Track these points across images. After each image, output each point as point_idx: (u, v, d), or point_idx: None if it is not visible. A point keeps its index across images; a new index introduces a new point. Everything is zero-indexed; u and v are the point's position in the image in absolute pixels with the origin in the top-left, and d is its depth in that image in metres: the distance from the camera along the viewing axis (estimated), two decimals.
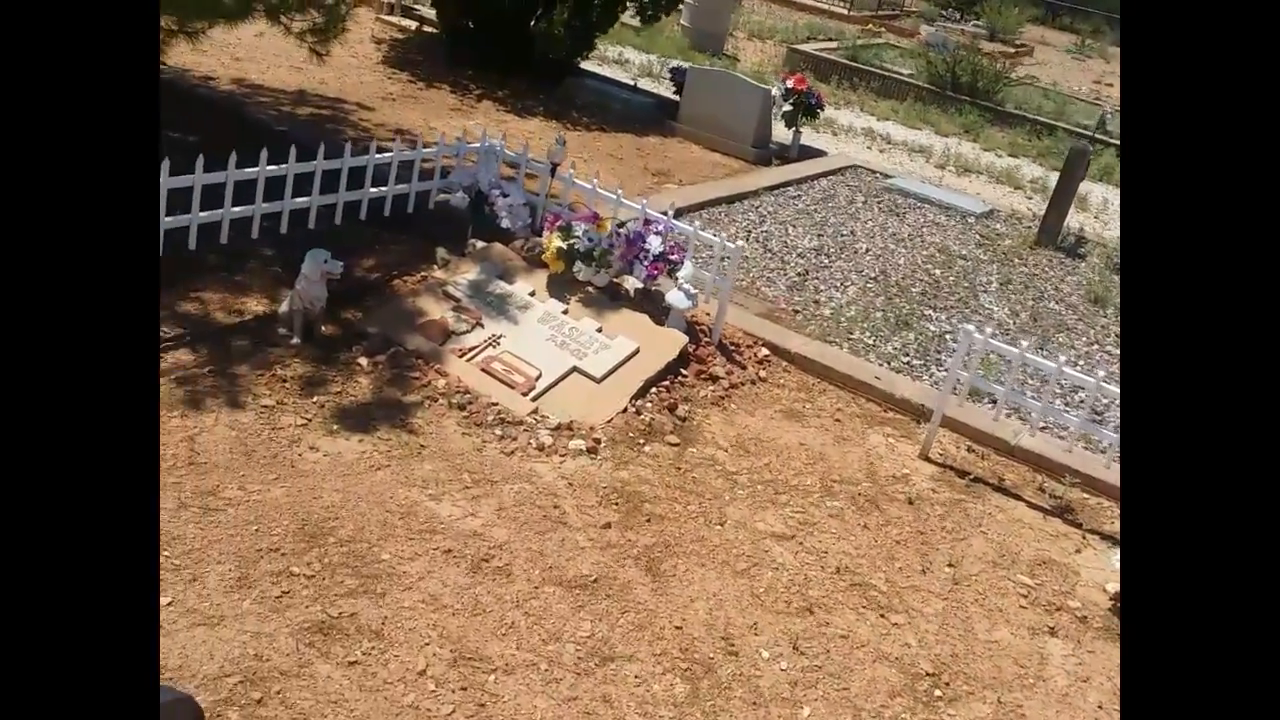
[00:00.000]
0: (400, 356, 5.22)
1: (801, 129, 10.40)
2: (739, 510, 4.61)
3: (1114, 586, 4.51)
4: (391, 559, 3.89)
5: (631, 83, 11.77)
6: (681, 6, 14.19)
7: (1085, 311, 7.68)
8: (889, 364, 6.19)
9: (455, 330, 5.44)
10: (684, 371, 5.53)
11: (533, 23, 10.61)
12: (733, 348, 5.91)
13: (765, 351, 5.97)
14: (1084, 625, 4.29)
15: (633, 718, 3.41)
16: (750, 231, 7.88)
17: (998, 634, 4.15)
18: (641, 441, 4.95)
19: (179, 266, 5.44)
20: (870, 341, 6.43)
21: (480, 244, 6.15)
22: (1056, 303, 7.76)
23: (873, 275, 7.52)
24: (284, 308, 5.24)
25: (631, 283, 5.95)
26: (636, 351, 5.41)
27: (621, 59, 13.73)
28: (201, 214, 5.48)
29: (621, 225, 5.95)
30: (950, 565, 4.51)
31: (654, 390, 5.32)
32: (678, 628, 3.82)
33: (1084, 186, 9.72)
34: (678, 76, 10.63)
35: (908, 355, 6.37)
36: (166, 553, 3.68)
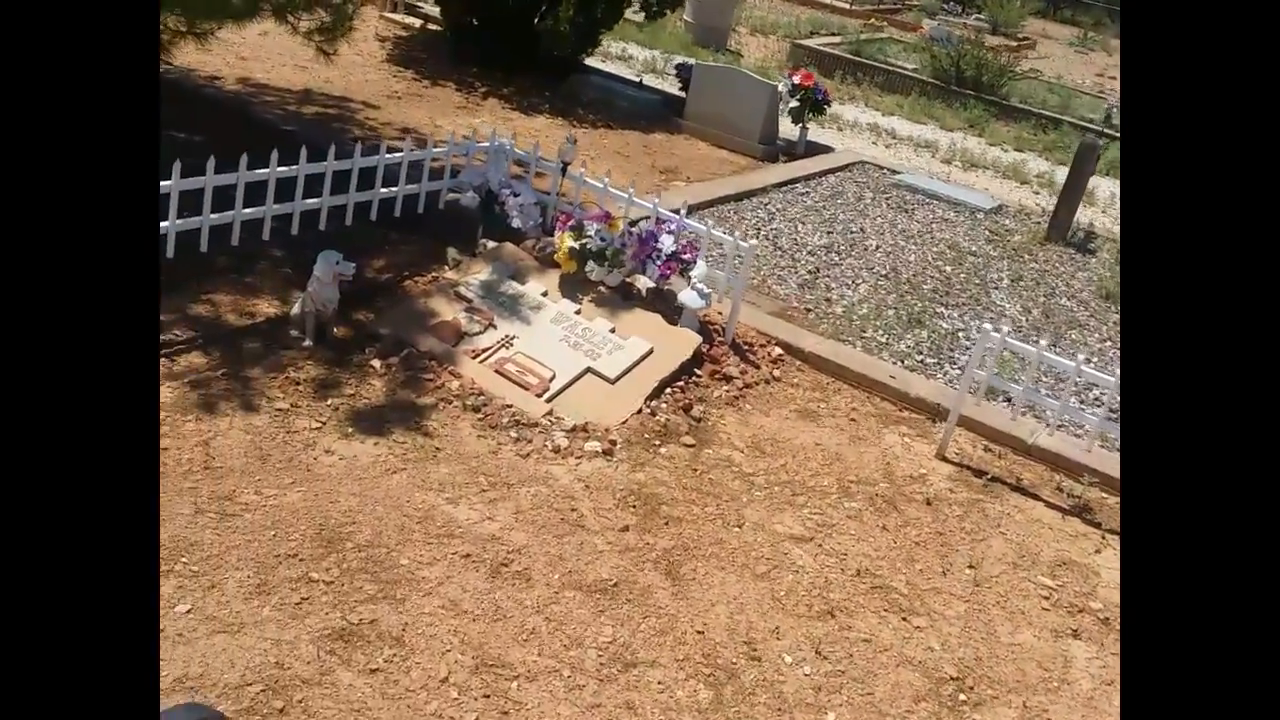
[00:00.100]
0: (413, 358, 5.18)
1: (808, 125, 10.36)
2: (757, 512, 4.58)
3: None
4: (410, 564, 3.86)
5: (637, 79, 11.72)
6: (685, 2, 14.15)
7: (1097, 308, 7.64)
8: (902, 362, 6.16)
9: (468, 331, 5.41)
10: (698, 372, 5.50)
11: (537, 20, 10.56)
12: (746, 347, 5.87)
13: (779, 351, 5.94)
14: (1106, 627, 4.26)
15: None
16: (760, 229, 7.85)
17: (1020, 636, 4.12)
18: (657, 443, 4.92)
19: (190, 269, 5.41)
20: (883, 340, 6.39)
21: (491, 244, 6.12)
22: (1068, 299, 7.73)
23: (883, 272, 7.49)
24: (296, 309, 5.20)
25: (643, 282, 5.92)
26: (650, 352, 5.38)
27: (625, 55, 13.69)
28: (213, 216, 5.45)
29: (634, 224, 5.92)
30: (971, 567, 4.48)
31: (668, 391, 5.29)
32: (699, 632, 3.79)
33: (1091, 181, 9.68)
34: (683, 73, 10.58)
35: (921, 353, 6.34)
36: (184, 559, 3.65)
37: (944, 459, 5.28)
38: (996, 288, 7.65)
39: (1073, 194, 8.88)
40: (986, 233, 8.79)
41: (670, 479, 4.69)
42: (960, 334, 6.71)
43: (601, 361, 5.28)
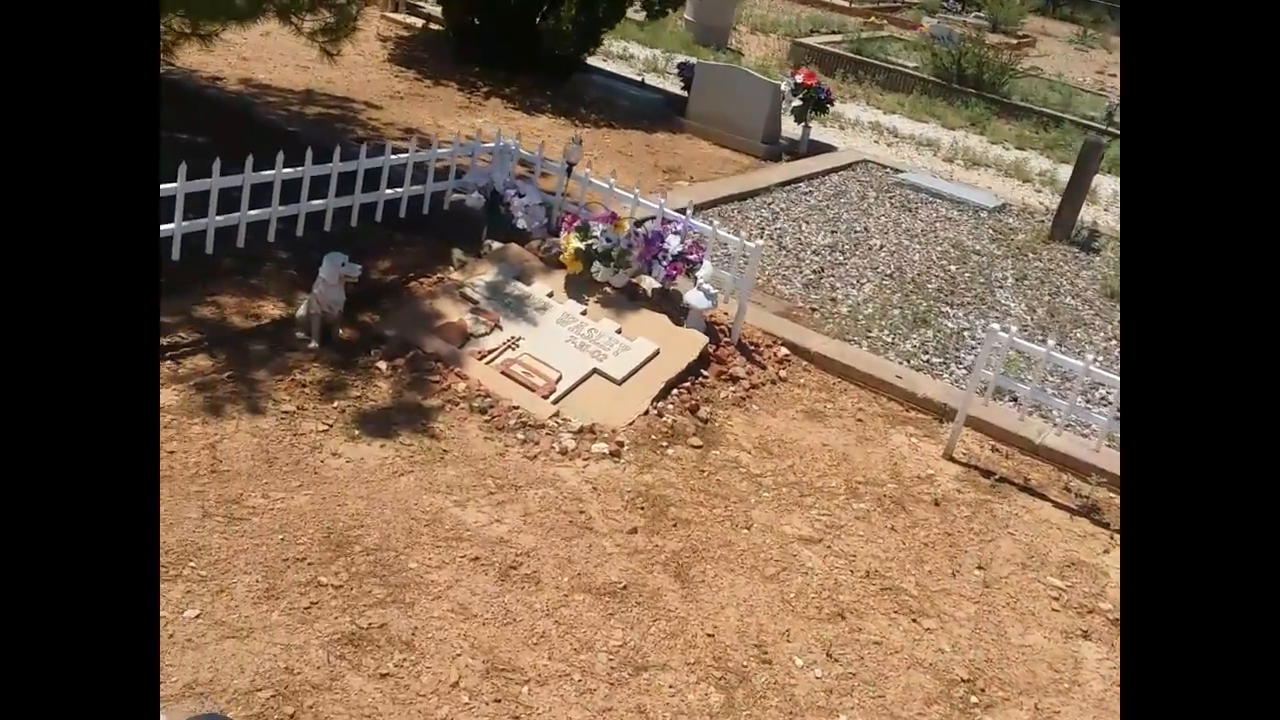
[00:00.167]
0: (419, 360, 5.17)
1: (810, 124, 10.35)
2: (765, 513, 4.57)
3: None
4: (419, 567, 3.85)
5: (639, 79, 11.70)
6: (686, 0, 14.13)
7: (1102, 307, 7.63)
8: (908, 362, 6.15)
9: (474, 332, 5.39)
10: (704, 372, 5.49)
11: (539, 19, 10.54)
12: (752, 347, 5.86)
13: (785, 351, 5.93)
14: (1116, 628, 4.24)
15: None
16: (764, 229, 7.83)
17: (1031, 638, 4.11)
18: (664, 444, 4.91)
19: (195, 271, 5.39)
20: (889, 339, 6.38)
21: (496, 245, 6.10)
22: (1073, 298, 7.71)
23: (888, 272, 7.47)
24: (301, 311, 5.19)
25: (649, 283, 5.90)
26: (657, 353, 5.37)
27: (626, 54, 13.67)
28: (218, 218, 5.43)
29: (639, 225, 5.90)
30: (980, 568, 4.47)
31: (675, 392, 5.28)
32: (709, 635, 3.78)
33: (1094, 179, 9.66)
34: (686, 72, 10.56)
35: (927, 353, 6.32)
36: (192, 563, 3.64)
37: (951, 459, 5.27)
38: (1001, 287, 7.64)
39: (1076, 192, 8.86)
40: (990, 231, 8.78)
41: (678, 480, 4.68)
42: (966, 333, 6.70)
43: (608, 363, 5.27)
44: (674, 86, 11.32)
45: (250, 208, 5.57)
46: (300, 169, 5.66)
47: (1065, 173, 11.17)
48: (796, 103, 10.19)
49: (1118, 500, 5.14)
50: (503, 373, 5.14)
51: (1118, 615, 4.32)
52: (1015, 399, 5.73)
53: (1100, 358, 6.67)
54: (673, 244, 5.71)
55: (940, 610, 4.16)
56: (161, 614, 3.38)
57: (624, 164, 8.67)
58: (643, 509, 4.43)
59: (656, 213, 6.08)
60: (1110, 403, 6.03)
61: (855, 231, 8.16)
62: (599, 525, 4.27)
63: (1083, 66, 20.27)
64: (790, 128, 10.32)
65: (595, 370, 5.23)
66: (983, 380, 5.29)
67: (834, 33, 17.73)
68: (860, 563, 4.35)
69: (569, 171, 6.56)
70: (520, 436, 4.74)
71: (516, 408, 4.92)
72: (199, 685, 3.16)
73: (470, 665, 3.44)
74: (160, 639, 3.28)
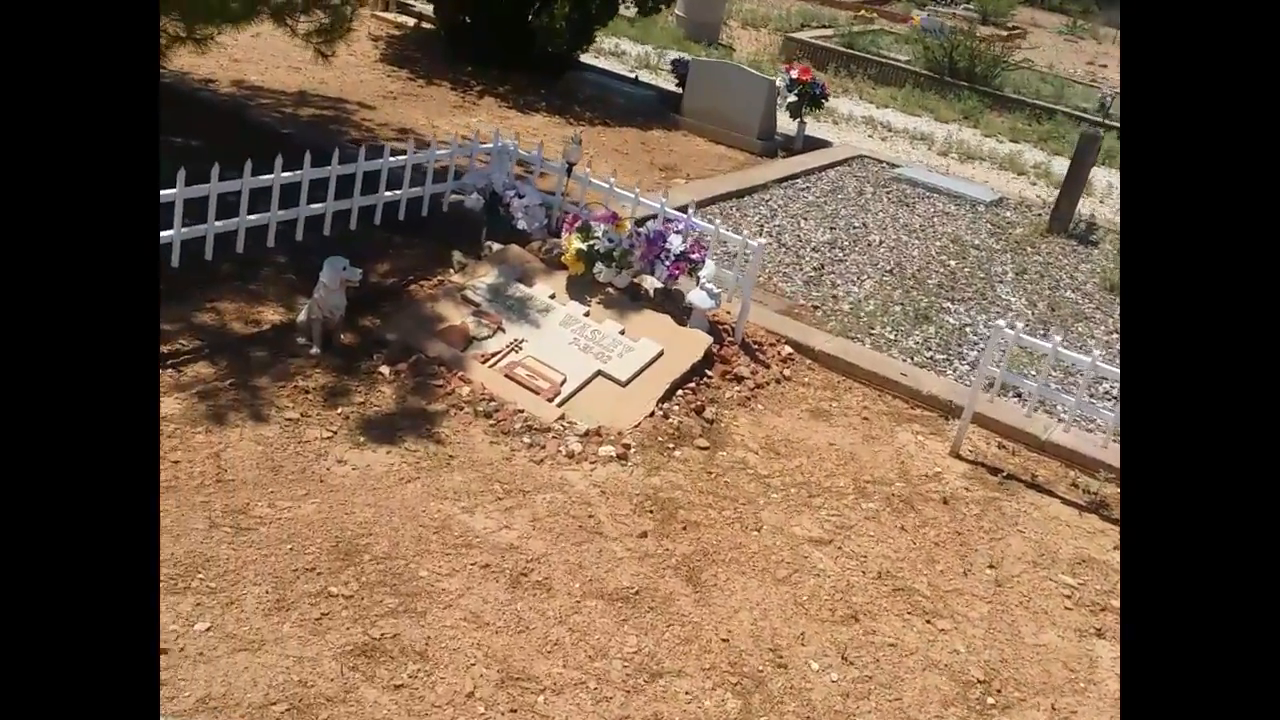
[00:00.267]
0: (422, 364, 5.13)
1: (805, 119, 10.32)
2: (774, 515, 4.54)
3: None
4: (429, 576, 3.81)
5: (632, 76, 11.67)
6: None
7: (1102, 300, 7.62)
8: (912, 359, 6.13)
9: (476, 336, 5.35)
10: (709, 372, 5.46)
11: (531, 16, 10.49)
12: (756, 346, 5.83)
13: (788, 350, 5.90)
14: None
15: None
16: (763, 226, 7.80)
17: (1045, 637, 4.09)
18: (671, 446, 4.88)
19: (194, 277, 5.34)
20: (892, 336, 6.36)
21: (496, 246, 6.06)
22: (1072, 291, 7.70)
23: (888, 268, 7.45)
24: (302, 317, 5.14)
25: (651, 282, 5.86)
26: (661, 353, 5.33)
27: (618, 50, 13.64)
28: (217, 223, 5.38)
29: (640, 224, 5.87)
30: (991, 566, 4.45)
31: (680, 393, 5.25)
32: (724, 640, 3.75)
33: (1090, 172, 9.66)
34: (680, 69, 10.53)
35: (930, 349, 6.30)
36: (201, 575, 3.60)
37: (958, 456, 5.25)
38: (1001, 281, 7.62)
39: (1074, 185, 8.85)
40: (988, 226, 8.76)
41: (686, 483, 4.65)
42: (968, 329, 6.68)
43: (612, 364, 5.23)
44: (668, 83, 11.30)
45: (248, 212, 5.52)
46: (299, 172, 5.62)
47: (1059, 165, 11.20)
48: (791, 98, 10.17)
49: None
50: (506, 376, 5.11)
51: None
52: (1019, 395, 5.72)
53: (1102, 351, 6.66)
54: (675, 244, 5.68)
55: (953, 610, 4.14)
56: (172, 627, 3.34)
57: (620, 162, 8.64)
58: (652, 512, 4.40)
59: (658, 212, 6.05)
60: (1113, 397, 6.02)
61: (854, 228, 8.13)
62: (608, 529, 4.24)
63: (1073, 57, 20.29)
64: (785, 123, 10.30)
65: (600, 372, 5.19)
66: (988, 377, 5.26)
67: (825, 27, 17.71)
68: (872, 563, 4.33)
69: (569, 171, 6.52)
70: (526, 440, 4.71)
71: (521, 411, 4.89)
72: (212, 700, 3.12)
73: (485, 675, 3.40)
74: (163, 650, 3.24)
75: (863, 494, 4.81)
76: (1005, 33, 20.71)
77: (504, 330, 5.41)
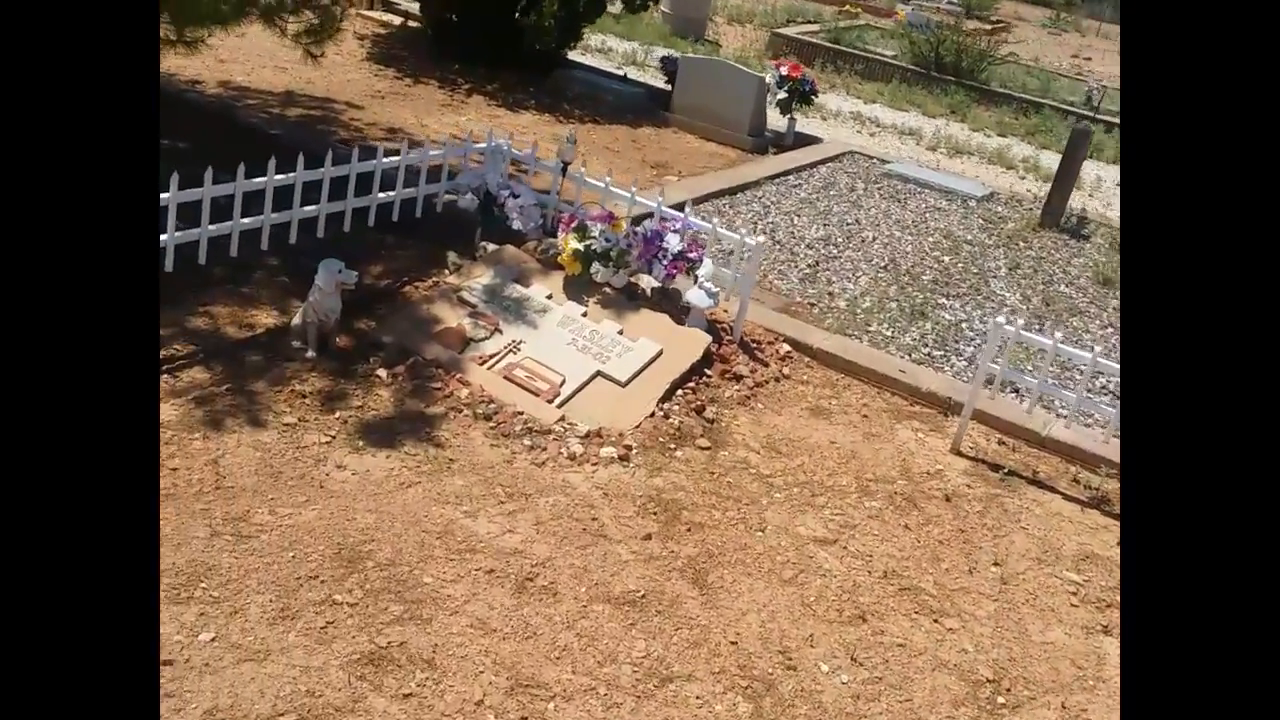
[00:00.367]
0: (419, 366, 5.08)
1: (795, 115, 10.30)
2: (778, 515, 4.52)
3: None
4: (434, 582, 3.77)
5: (621, 73, 11.63)
6: None
7: (1096, 294, 7.63)
8: (909, 356, 6.11)
9: (473, 337, 5.31)
10: (708, 372, 5.43)
11: (518, 14, 10.44)
12: (754, 345, 5.81)
13: (787, 348, 5.88)
14: None
15: None
16: (756, 223, 7.78)
17: (1052, 635, 4.08)
18: (672, 446, 4.85)
19: (187, 281, 5.28)
20: (889, 333, 6.34)
21: (491, 246, 6.02)
22: (1066, 285, 7.71)
23: (882, 264, 7.44)
24: (297, 320, 5.09)
25: (648, 282, 5.83)
26: (660, 353, 5.30)
27: (605, 48, 13.60)
28: (211, 227, 5.32)
29: (637, 223, 5.83)
30: (996, 564, 4.43)
31: (680, 392, 5.22)
32: (733, 643, 3.73)
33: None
34: (669, 66, 10.50)
35: (927, 346, 6.29)
36: (204, 584, 3.55)
37: (959, 453, 5.24)
38: (995, 276, 7.62)
39: (1065, 180, 8.86)
40: (980, 221, 8.76)
41: (688, 483, 4.62)
42: (964, 325, 6.67)
43: (611, 364, 5.20)
44: (656, 80, 11.26)
45: (242, 216, 5.46)
46: (292, 175, 5.56)
47: (1048, 159, 11.22)
48: (781, 95, 10.15)
49: None
50: (505, 378, 5.07)
51: None
52: (1017, 391, 5.71)
53: (1098, 345, 6.66)
54: (672, 243, 5.65)
55: (960, 609, 4.12)
56: (176, 638, 3.29)
57: (612, 160, 8.60)
58: (655, 514, 4.37)
59: (654, 211, 6.01)
60: (1110, 391, 6.03)
61: (847, 224, 8.12)
62: (612, 532, 4.21)
63: (1057, 50, 20.34)
64: (775, 120, 10.28)
65: (599, 373, 5.16)
66: (988, 373, 5.25)
67: (810, 22, 17.70)
68: (877, 563, 4.31)
69: (564, 170, 6.47)
70: (527, 443, 4.67)
71: (521, 413, 4.85)
72: (219, 711, 3.08)
73: (494, 682, 3.37)
74: (169, 661, 3.20)
75: (865, 492, 4.79)
76: (990, 26, 20.74)
77: (501, 331, 5.37)
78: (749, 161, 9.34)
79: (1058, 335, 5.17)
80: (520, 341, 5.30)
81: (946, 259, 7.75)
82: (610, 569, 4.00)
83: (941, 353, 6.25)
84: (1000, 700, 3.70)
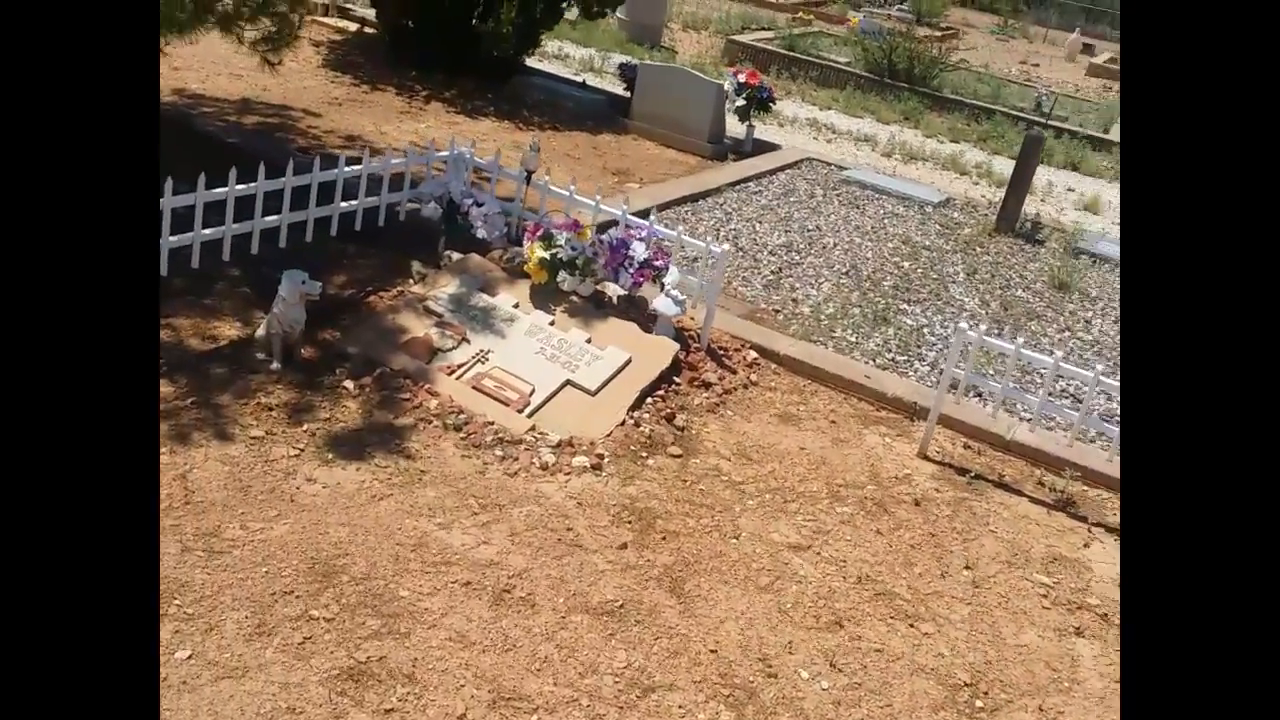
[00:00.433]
0: (387, 377, 5.04)
1: (754, 122, 10.35)
2: (751, 521, 4.53)
3: None
4: (410, 595, 3.74)
5: (580, 80, 11.61)
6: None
7: (1052, 299, 7.73)
8: (874, 361, 6.16)
9: (440, 347, 5.27)
10: (676, 379, 5.43)
11: (475, 20, 10.39)
12: (721, 352, 5.82)
13: (753, 355, 5.90)
14: (1107, 623, 4.28)
15: None
16: (719, 230, 7.80)
17: (1025, 637, 4.12)
18: (644, 454, 4.85)
19: None
20: (853, 339, 6.39)
21: (456, 255, 5.98)
22: (1023, 290, 7.80)
23: (844, 270, 7.49)
24: (261, 331, 5.03)
25: (614, 289, 5.83)
26: (629, 361, 5.30)
27: (562, 54, 13.58)
28: (172, 238, 5.24)
29: (602, 231, 5.83)
30: (967, 568, 4.48)
31: (649, 400, 5.22)
32: (712, 651, 3.73)
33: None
34: (628, 73, 10.50)
35: (890, 351, 6.34)
36: (178, 601, 3.49)
37: (926, 458, 5.28)
38: (954, 281, 7.70)
39: (1020, 185, 8.97)
40: (937, 226, 8.85)
41: (662, 492, 4.62)
42: (925, 330, 6.73)
43: (580, 373, 5.19)
44: (615, 87, 11.26)
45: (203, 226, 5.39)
46: (253, 185, 5.49)
47: (1000, 164, 11.37)
48: (740, 102, 10.19)
49: (1092, 494, 5.19)
50: (474, 388, 5.04)
51: (1106, 610, 4.36)
52: (981, 395, 5.77)
53: (1056, 349, 6.76)
54: (638, 251, 5.65)
55: (935, 613, 4.15)
56: None
57: (572, 167, 8.59)
58: (630, 523, 4.36)
59: (619, 219, 6.01)
60: (1069, 394, 6.11)
61: (808, 230, 8.16)
62: (588, 542, 4.20)
63: (1006, 57, 20.62)
64: (734, 127, 10.32)
65: (568, 382, 5.14)
66: (953, 378, 5.30)
67: (765, 29, 17.80)
68: (851, 568, 4.33)
69: (528, 179, 6.45)
70: (499, 453, 4.64)
71: (491, 423, 4.82)
72: None
73: (475, 696, 3.34)
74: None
75: (836, 498, 4.82)
76: (940, 33, 20.98)
77: (468, 341, 5.34)
78: (709, 168, 9.37)
79: (1019, 340, 5.23)
80: (488, 351, 5.27)
81: (906, 264, 7.82)
82: (587, 579, 3.98)
83: (905, 358, 6.30)
84: (979, 704, 3.73)
